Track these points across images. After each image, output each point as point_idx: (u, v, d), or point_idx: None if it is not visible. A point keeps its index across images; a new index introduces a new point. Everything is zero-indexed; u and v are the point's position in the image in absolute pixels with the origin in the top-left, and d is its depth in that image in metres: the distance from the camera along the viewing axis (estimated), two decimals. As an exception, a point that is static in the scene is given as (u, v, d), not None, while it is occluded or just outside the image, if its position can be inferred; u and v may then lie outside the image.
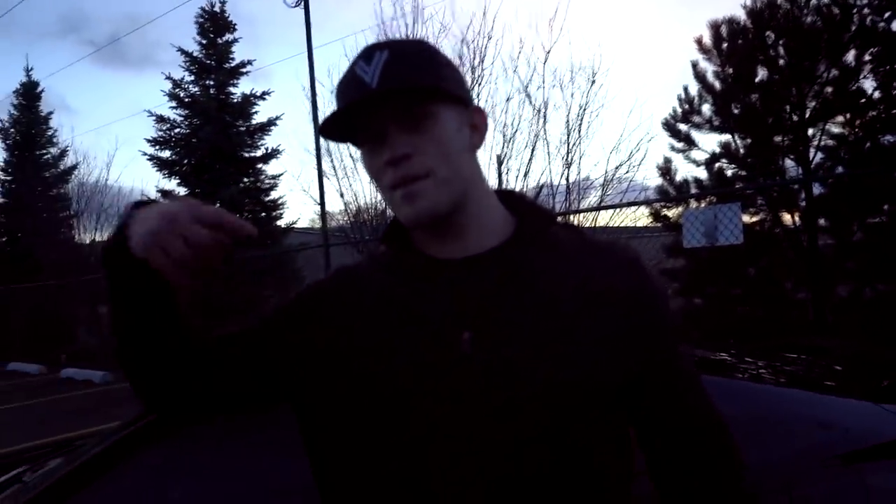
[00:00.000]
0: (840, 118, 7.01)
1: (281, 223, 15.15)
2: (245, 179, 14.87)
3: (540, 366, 0.83)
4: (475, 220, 0.91)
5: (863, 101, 6.93)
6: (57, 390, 10.35)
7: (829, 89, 7.00)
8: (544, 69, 8.62)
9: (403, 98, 0.85)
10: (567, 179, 8.42)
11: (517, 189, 1.03)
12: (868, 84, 6.83)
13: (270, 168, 16.23)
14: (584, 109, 8.37)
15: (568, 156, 8.35)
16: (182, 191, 14.70)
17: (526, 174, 8.64)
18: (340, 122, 0.88)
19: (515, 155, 8.55)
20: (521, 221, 0.94)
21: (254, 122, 15.04)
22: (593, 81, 8.28)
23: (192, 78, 15.02)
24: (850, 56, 6.81)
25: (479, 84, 8.61)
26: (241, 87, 15.97)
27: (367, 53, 0.87)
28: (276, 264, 12.73)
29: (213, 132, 14.11)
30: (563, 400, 0.83)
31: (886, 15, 6.45)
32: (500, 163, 8.82)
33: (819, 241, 7.09)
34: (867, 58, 6.73)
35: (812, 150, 7.25)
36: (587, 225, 7.74)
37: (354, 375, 0.88)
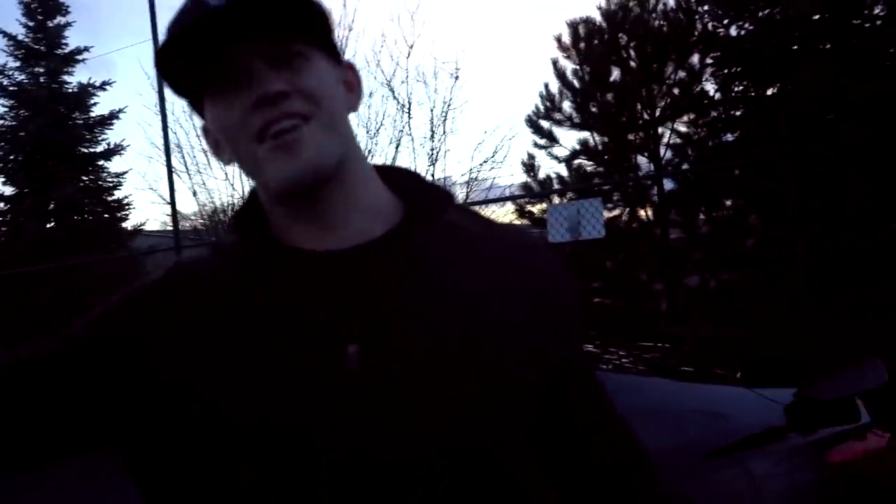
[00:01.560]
0: (686, 118, 7.45)
1: (127, 225, 14.00)
2: (84, 178, 13.58)
3: (445, 381, 0.67)
4: (354, 200, 0.73)
5: (705, 101, 7.40)
6: None
7: (677, 91, 7.42)
8: (407, 64, 8.49)
9: (271, 26, 0.67)
10: (432, 176, 8.34)
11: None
12: (710, 86, 7.31)
13: (113, 165, 14.91)
14: (448, 105, 8.33)
15: (433, 152, 8.27)
16: (8, 190, 13.19)
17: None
18: (182, 62, 0.68)
19: (380, 151, 8.36)
20: (411, 204, 0.76)
21: (93, 114, 13.77)
22: (457, 77, 8.25)
23: (18, 64, 13.51)
24: (695, 59, 7.25)
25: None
26: (78, 77, 14.60)
27: None
28: (123, 269, 11.71)
29: (43, 124, 12.74)
30: (477, 420, 0.67)
31: (725, 21, 6.91)
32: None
33: (671, 235, 7.50)
34: (709, 61, 7.18)
35: (662, 148, 7.66)
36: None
37: (206, 408, 0.66)
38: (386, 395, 0.65)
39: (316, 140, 0.67)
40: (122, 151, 13.85)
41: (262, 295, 0.69)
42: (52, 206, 12.86)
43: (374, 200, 0.75)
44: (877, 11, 6.47)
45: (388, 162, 8.67)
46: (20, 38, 13.40)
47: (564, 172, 8.06)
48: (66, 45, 13.69)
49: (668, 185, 7.38)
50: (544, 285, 0.76)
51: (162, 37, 0.69)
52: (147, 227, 14.47)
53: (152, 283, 0.76)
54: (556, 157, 8.03)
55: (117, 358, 0.70)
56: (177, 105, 8.93)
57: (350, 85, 0.77)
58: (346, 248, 0.71)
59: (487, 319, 0.70)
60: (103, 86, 13.77)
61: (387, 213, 0.75)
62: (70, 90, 13.61)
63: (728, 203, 7.19)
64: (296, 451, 0.64)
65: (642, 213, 7.61)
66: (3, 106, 13.32)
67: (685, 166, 7.62)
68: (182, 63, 0.68)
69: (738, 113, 6.95)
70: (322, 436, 0.64)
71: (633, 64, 7.57)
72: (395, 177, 0.79)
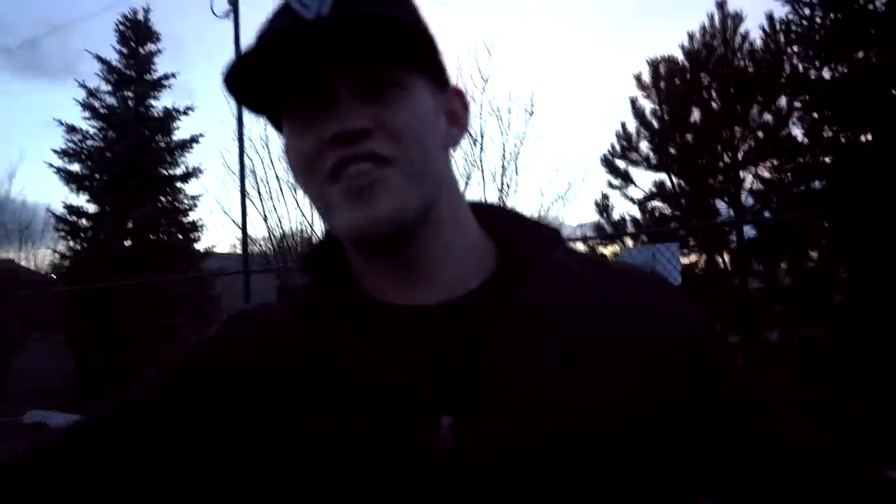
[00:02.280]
0: (770, 163, 7.12)
1: (199, 246, 14.41)
2: (162, 198, 14.09)
3: (558, 461, 0.54)
4: (446, 249, 0.62)
5: (791, 146, 7.06)
6: None
7: (761, 134, 7.10)
8: (482, 97, 8.46)
9: (364, 49, 0.57)
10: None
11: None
12: (797, 130, 6.97)
13: (190, 188, 15.41)
14: (521, 141, 8.23)
15: (503, 187, 8.17)
16: (91, 208, 13.79)
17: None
18: (260, 76, 0.58)
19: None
20: (509, 248, 0.65)
21: (175, 138, 14.33)
22: (531, 113, 8.16)
23: (110, 88, 14.22)
24: (782, 102, 6.94)
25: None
26: (163, 101, 15.26)
27: None
28: (192, 290, 12.03)
29: (129, 146, 13.32)
30: (595, 499, 0.54)
31: (816, 63, 6.60)
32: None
33: (750, 286, 7.13)
34: (797, 104, 6.86)
35: (744, 193, 7.33)
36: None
37: (279, 489, 0.57)
38: (485, 479, 0.54)
39: (396, 190, 0.57)
40: (198, 175, 14.36)
41: (340, 356, 0.59)
42: (130, 224, 13.36)
43: (470, 247, 0.64)
44: None
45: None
46: (113, 63, 14.13)
47: (638, 214, 7.81)
48: (155, 70, 14.36)
49: (748, 232, 7.03)
50: (676, 335, 0.61)
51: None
52: (217, 250, 14.90)
53: (211, 340, 0.67)
54: (631, 199, 7.80)
55: (178, 425, 0.62)
56: (254, 132, 9.16)
57: (454, 115, 0.66)
58: (437, 305, 0.61)
59: (605, 383, 0.57)
60: (186, 111, 14.34)
61: (483, 259, 0.64)
62: (155, 114, 14.23)
63: (814, 254, 6.78)
64: None
65: (720, 260, 7.26)
66: (93, 127, 14.02)
67: (767, 213, 7.25)
68: (258, 77, 0.59)
69: (827, 159, 6.57)
70: None
71: (714, 105, 7.31)
72: (490, 216, 0.68)
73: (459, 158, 8.86)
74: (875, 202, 4.62)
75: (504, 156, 8.20)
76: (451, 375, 0.57)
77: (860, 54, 6.41)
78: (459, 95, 0.67)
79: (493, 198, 8.27)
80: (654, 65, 7.49)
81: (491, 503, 0.54)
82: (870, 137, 6.34)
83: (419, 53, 0.60)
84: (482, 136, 8.18)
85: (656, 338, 0.60)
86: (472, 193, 8.34)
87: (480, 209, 0.69)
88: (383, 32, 0.56)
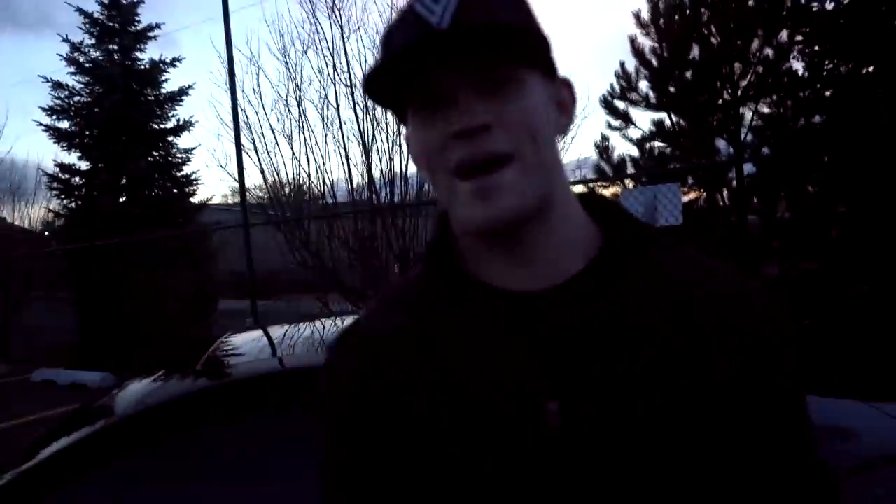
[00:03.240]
0: (771, 98, 7.07)
1: (195, 200, 14.32)
2: (154, 153, 13.93)
3: (652, 440, 0.62)
4: (555, 235, 0.69)
5: (792, 80, 6.99)
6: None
7: (761, 69, 7.03)
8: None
9: (483, 53, 0.63)
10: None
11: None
12: (798, 64, 6.90)
13: (183, 141, 15.23)
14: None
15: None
16: (83, 165, 13.63)
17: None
18: (387, 78, 0.65)
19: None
20: (612, 238, 0.71)
21: (164, 91, 14.07)
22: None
23: (93, 42, 13.87)
24: (783, 36, 6.85)
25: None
26: (149, 54, 14.93)
27: None
28: (190, 243, 12.01)
29: (117, 101, 13.09)
30: (688, 483, 0.62)
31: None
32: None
33: (750, 221, 7.18)
34: (798, 38, 6.77)
35: (743, 130, 7.30)
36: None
37: (417, 464, 0.68)
38: (589, 459, 0.61)
39: (517, 185, 0.64)
40: (190, 128, 14.16)
41: (458, 355, 0.67)
42: (124, 181, 13.24)
43: (575, 233, 0.70)
44: None
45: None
46: (96, 15, 13.75)
47: (637, 154, 7.78)
48: (139, 21, 14.00)
49: (747, 168, 7.04)
50: (755, 338, 0.66)
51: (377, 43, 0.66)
52: (214, 202, 14.81)
53: (342, 368, 0.75)
54: (631, 139, 7.77)
55: (370, 446, 0.71)
56: (246, 83, 9.00)
57: (563, 105, 0.73)
58: (543, 290, 0.68)
59: (692, 372, 0.64)
60: (174, 62, 14.04)
61: (586, 246, 0.71)
62: (142, 67, 13.93)
63: (811, 189, 6.81)
64: (504, 501, 0.62)
65: (719, 197, 7.28)
66: (79, 82, 13.73)
67: (766, 150, 7.25)
68: (389, 79, 0.66)
69: (828, 93, 6.54)
70: (523, 494, 0.62)
71: (714, 41, 7.21)
72: (596, 206, 0.75)
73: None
74: (877, 134, 4.62)
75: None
76: (555, 362, 0.64)
77: (863, -16, 6.29)
78: (567, 86, 0.74)
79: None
80: (653, 2, 7.36)
81: (588, 476, 0.61)
82: (871, 69, 6.29)
83: (532, 52, 0.66)
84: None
85: (731, 336, 0.65)
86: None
87: (588, 198, 0.76)
88: (499, 39, 0.62)
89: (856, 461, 1.78)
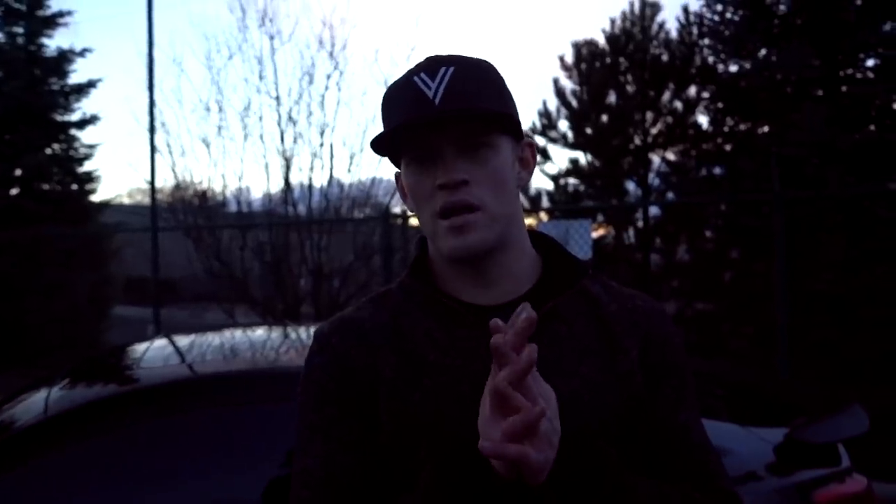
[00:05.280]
0: (677, 147, 7.58)
1: (95, 198, 13.60)
2: (55, 145, 13.16)
3: (575, 415, 0.81)
4: (509, 265, 0.89)
5: (696, 133, 7.54)
6: None
7: (670, 119, 7.55)
8: (407, 66, 8.44)
9: (466, 122, 0.82)
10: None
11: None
12: (703, 118, 7.45)
13: (86, 136, 14.44)
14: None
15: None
16: (-26, 151, 12.68)
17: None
18: (390, 139, 0.84)
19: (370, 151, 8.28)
20: (550, 268, 0.92)
21: (70, 82, 13.36)
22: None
23: (-4, 23, 13.04)
24: (692, 91, 7.39)
25: (340, 73, 8.21)
26: (57, 41, 14.16)
27: (431, 66, 0.84)
28: (88, 243, 11.38)
29: (19, 87, 12.32)
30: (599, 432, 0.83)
31: (722, 56, 7.06)
32: (351, 157, 8.50)
33: (652, 261, 7.62)
34: (705, 94, 7.32)
35: (651, 174, 7.78)
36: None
37: (404, 418, 0.85)
38: None
39: (481, 229, 0.83)
40: (96, 122, 13.50)
41: (443, 337, 0.86)
42: (19, 172, 12.43)
43: (525, 264, 0.90)
44: (869, 64, 6.68)
45: (378, 159, 8.64)
46: (0, -5, 12.95)
47: (553, 189, 8.12)
48: (49, 6, 13.29)
49: (653, 211, 7.49)
50: (650, 339, 0.90)
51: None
52: (119, 201, 14.13)
53: (333, 343, 0.90)
54: (548, 175, 8.10)
55: (353, 406, 0.87)
56: (165, 84, 8.74)
57: (525, 162, 0.91)
58: (496, 305, 0.87)
59: (604, 367, 0.87)
60: (83, 52, 13.37)
61: (532, 273, 0.91)
62: (49, 54, 13.20)
63: (710, 235, 7.33)
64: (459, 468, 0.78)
65: (626, 236, 7.70)
66: (-24, 65, 12.85)
67: (670, 195, 7.75)
68: (391, 140, 0.85)
69: (728, 147, 7.09)
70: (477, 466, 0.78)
71: (630, 89, 7.68)
72: (542, 242, 0.94)
73: (380, 127, 8.76)
74: (767, 191, 5.08)
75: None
76: None
77: (763, 52, 6.91)
78: (530, 146, 0.92)
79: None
80: (577, 47, 7.76)
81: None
82: (766, 129, 6.88)
83: (504, 124, 0.85)
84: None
85: (638, 335, 0.89)
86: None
87: (536, 235, 0.95)
88: (478, 118, 0.82)
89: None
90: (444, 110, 0.81)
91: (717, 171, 7.18)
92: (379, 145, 0.86)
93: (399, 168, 0.92)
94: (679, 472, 0.88)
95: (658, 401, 0.89)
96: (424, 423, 0.83)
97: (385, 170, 9.37)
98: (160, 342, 2.62)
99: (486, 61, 0.89)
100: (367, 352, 0.88)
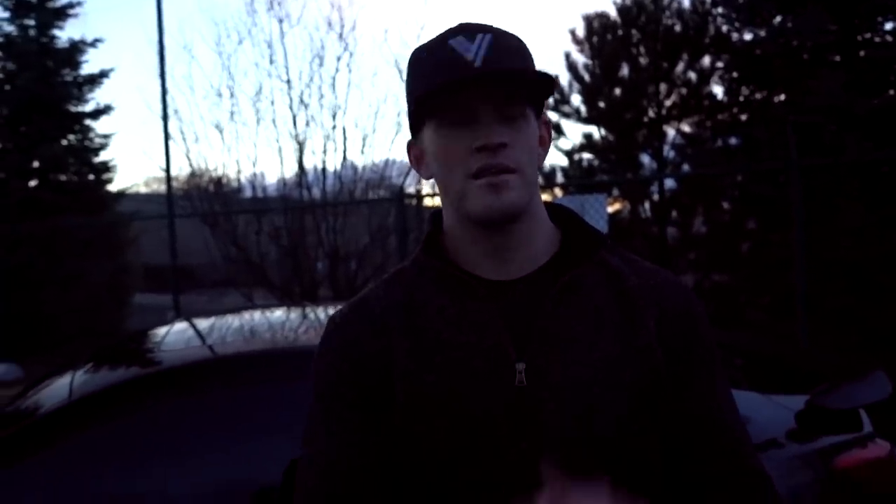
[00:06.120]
0: (692, 118, 7.49)
1: (111, 188, 13.71)
2: (70, 136, 13.26)
3: (594, 392, 0.82)
4: (529, 235, 0.88)
5: (712, 103, 7.44)
6: None
7: (685, 90, 7.46)
8: (417, 44, 8.37)
9: (503, 89, 0.82)
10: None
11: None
12: (718, 88, 7.35)
13: (101, 126, 14.47)
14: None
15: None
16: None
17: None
18: (430, 99, 0.83)
19: (383, 131, 8.28)
20: (569, 240, 0.92)
21: (82, 72, 13.42)
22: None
23: (8, 16, 13.10)
24: (706, 61, 7.29)
25: (350, 54, 8.17)
26: (68, 32, 14.22)
27: (468, 31, 0.84)
28: (106, 233, 11.50)
29: (32, 79, 12.40)
30: (621, 421, 0.83)
31: (737, 25, 6.94)
32: (364, 139, 8.49)
33: (668, 234, 7.57)
34: (719, 64, 7.22)
35: (666, 147, 7.71)
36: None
37: (421, 403, 0.84)
38: (546, 404, 0.82)
39: (517, 189, 0.83)
40: (110, 112, 13.57)
41: (456, 313, 0.86)
42: (36, 164, 12.56)
43: (543, 236, 0.90)
44: (888, 27, 6.55)
45: (391, 140, 8.62)
46: (11, -13, 13.00)
47: (567, 165, 8.07)
48: (59, -3, 13.32)
49: (669, 183, 7.43)
50: (672, 314, 0.88)
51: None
52: (135, 190, 14.25)
53: (348, 328, 0.90)
54: (562, 150, 8.06)
55: (371, 389, 0.86)
56: (177, 71, 8.76)
57: (543, 140, 0.91)
58: (516, 278, 0.87)
59: (624, 340, 0.86)
60: (94, 43, 13.42)
61: (550, 245, 0.91)
62: (60, 45, 13.26)
63: (726, 206, 7.26)
64: (483, 440, 0.81)
65: (642, 209, 7.66)
66: (-10, 58, 12.94)
67: (686, 167, 7.68)
68: (431, 101, 0.83)
69: (743, 117, 6.99)
70: (503, 434, 0.82)
71: (643, 61, 7.59)
72: (560, 214, 0.95)
73: (391, 107, 8.70)
74: (783, 159, 5.01)
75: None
76: (522, 333, 0.84)
77: (778, 18, 6.79)
78: (547, 125, 0.93)
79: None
80: (588, 20, 7.68)
81: (551, 421, 0.81)
82: (782, 98, 6.78)
83: (537, 95, 0.86)
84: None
85: (660, 310, 0.88)
86: (405, 141, 8.25)
87: (553, 207, 0.95)
88: (518, 80, 0.83)
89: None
90: (490, 70, 0.80)
91: (733, 141, 7.09)
92: (419, 106, 0.85)
93: (415, 136, 0.91)
94: (709, 453, 0.87)
95: (687, 380, 0.87)
96: (438, 402, 0.83)
97: (398, 151, 9.36)
98: (180, 325, 2.66)
99: (518, 36, 0.89)
100: (379, 334, 0.88)
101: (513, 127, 0.83)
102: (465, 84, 0.80)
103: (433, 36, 0.88)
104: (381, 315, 0.89)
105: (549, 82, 0.84)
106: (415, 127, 0.91)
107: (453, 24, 0.87)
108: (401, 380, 0.85)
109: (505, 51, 0.83)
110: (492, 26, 0.86)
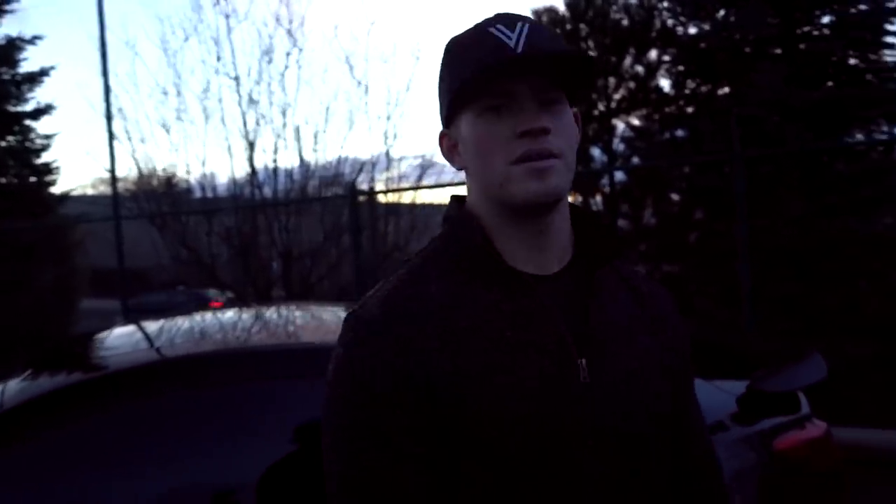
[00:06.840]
0: (640, 112, 7.61)
1: (55, 190, 13.28)
2: (10, 137, 12.79)
3: (645, 381, 0.87)
4: (561, 225, 0.88)
5: (659, 97, 7.58)
6: None
7: (633, 84, 7.57)
8: (367, 41, 8.35)
9: (545, 74, 0.82)
10: (387, 156, 8.24)
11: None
12: (665, 82, 7.49)
13: (42, 126, 13.98)
14: (407, 87, 8.24)
15: (389, 132, 8.16)
16: (-76, 146, 12.27)
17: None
18: (472, 85, 0.82)
19: (335, 128, 8.20)
20: (588, 240, 0.91)
21: (21, 71, 12.96)
22: (417, 58, 8.17)
23: (-62, 11, 12.55)
24: (653, 55, 7.41)
25: (300, 50, 8.06)
26: (5, 30, 13.68)
27: (506, 20, 0.85)
28: (50, 236, 11.14)
29: (-34, 79, 11.92)
30: (668, 406, 0.89)
31: (682, 19, 7.08)
32: (315, 136, 8.39)
33: (619, 225, 7.69)
34: (666, 58, 7.35)
35: (615, 140, 7.82)
36: (407, 202, 7.65)
37: (481, 408, 0.80)
38: (609, 398, 0.84)
39: (560, 174, 0.82)
40: (51, 111, 13.14)
41: (509, 310, 0.83)
42: (-27, 165, 12.08)
43: (567, 228, 0.90)
44: (825, 21, 6.76)
45: (342, 139, 8.54)
46: (-59, -18, 12.45)
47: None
48: (-7, -7, 12.83)
49: (619, 176, 7.55)
50: (671, 319, 0.95)
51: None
52: (77, 193, 13.83)
53: (382, 335, 0.82)
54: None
55: (423, 401, 0.80)
56: (120, 69, 8.52)
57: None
58: (554, 272, 0.87)
59: (654, 337, 0.91)
60: (33, 40, 12.97)
61: (570, 238, 0.91)
62: (-4, 43, 12.77)
63: (675, 198, 7.41)
64: (544, 444, 0.80)
65: (592, 202, 7.76)
66: (-80, 55, 12.38)
67: (636, 159, 7.81)
68: (473, 87, 0.82)
69: (690, 110, 7.14)
70: (565, 433, 0.81)
71: (591, 55, 7.67)
72: (577, 214, 0.93)
73: (343, 104, 8.61)
74: (727, 151, 5.12)
75: (388, 102, 8.20)
76: (577, 329, 0.84)
77: (721, 12, 6.95)
78: (576, 115, 0.91)
79: (378, 143, 8.22)
80: (537, 14, 7.73)
81: (615, 413, 0.84)
82: (727, 90, 6.94)
83: (578, 83, 0.87)
84: (367, 82, 8.12)
85: (660, 316, 0.93)
86: (356, 138, 8.18)
87: (574, 209, 0.94)
88: (560, 63, 0.82)
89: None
90: (534, 54, 0.80)
91: (680, 133, 7.24)
92: (460, 94, 0.83)
93: (448, 126, 0.90)
94: (695, 468, 0.95)
95: (679, 393, 0.93)
96: (510, 406, 0.79)
97: (351, 148, 9.26)
98: (120, 329, 2.58)
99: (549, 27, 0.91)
100: (426, 334, 0.81)
101: (553, 113, 0.82)
102: (511, 66, 0.80)
103: (469, 27, 0.88)
104: (421, 314, 0.82)
105: (591, 64, 0.85)
106: (449, 116, 0.89)
107: (489, 15, 0.87)
108: (459, 384, 0.79)
109: (545, 37, 0.84)
110: (526, 17, 0.87)
